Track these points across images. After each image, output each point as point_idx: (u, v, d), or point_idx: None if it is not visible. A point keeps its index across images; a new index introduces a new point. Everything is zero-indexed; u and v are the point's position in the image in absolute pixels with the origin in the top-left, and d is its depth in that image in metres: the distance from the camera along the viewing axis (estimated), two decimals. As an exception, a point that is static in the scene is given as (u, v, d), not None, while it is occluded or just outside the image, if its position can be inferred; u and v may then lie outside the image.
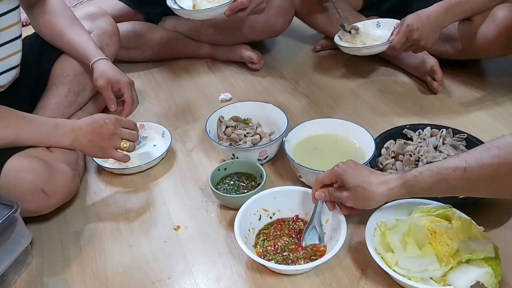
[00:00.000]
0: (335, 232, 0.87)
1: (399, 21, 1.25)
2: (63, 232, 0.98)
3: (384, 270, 0.79)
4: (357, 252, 0.88)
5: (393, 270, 0.79)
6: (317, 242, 0.88)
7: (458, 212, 0.85)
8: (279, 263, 0.85)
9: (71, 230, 0.99)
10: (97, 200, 1.06)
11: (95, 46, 1.24)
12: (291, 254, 0.87)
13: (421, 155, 1.00)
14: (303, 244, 0.88)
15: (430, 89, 1.34)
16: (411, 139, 1.10)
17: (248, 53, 1.49)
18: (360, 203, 0.82)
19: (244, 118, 1.19)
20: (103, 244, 0.95)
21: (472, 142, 1.05)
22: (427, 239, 0.82)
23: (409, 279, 0.77)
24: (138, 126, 1.20)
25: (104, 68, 1.22)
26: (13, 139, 0.93)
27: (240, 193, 1.00)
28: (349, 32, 1.36)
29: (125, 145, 1.02)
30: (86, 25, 1.28)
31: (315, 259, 0.85)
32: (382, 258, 0.81)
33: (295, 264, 0.85)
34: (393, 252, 0.82)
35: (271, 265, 0.82)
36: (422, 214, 0.86)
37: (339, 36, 1.38)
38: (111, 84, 1.22)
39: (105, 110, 1.30)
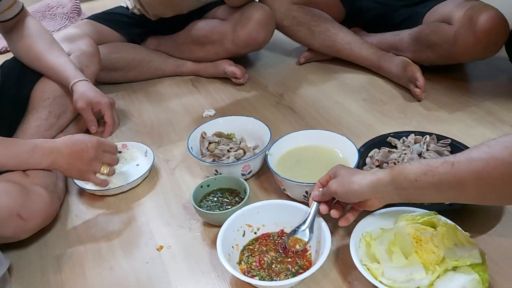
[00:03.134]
0: (320, 244, 0.85)
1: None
2: (44, 257, 0.96)
3: (371, 283, 0.77)
4: (343, 264, 0.86)
5: (379, 281, 0.77)
6: (306, 239, 0.86)
7: (443, 218, 0.83)
8: (263, 279, 0.83)
9: (52, 255, 0.96)
10: (79, 223, 1.04)
11: (75, 67, 1.23)
12: (278, 266, 0.85)
13: (406, 163, 0.99)
14: (288, 239, 0.87)
15: (414, 97, 1.33)
16: (395, 147, 1.09)
17: (232, 68, 1.49)
18: (344, 186, 0.80)
19: (227, 133, 1.17)
20: (83, 268, 0.93)
21: (456, 147, 1.04)
22: (413, 247, 0.80)
23: (396, 290, 0.75)
24: (120, 146, 1.19)
25: (84, 89, 1.21)
26: None
27: (223, 209, 0.98)
28: None
29: (105, 170, 1.02)
30: (66, 47, 1.27)
31: (301, 273, 0.83)
32: (368, 269, 0.79)
33: (280, 277, 0.83)
34: (379, 263, 0.80)
35: (254, 281, 0.80)
36: (407, 222, 0.85)
37: None
38: (91, 105, 1.21)
39: (87, 131, 1.28)
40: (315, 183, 0.93)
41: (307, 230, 0.86)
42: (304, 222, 0.87)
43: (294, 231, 0.88)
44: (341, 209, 0.86)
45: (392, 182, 0.76)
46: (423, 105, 1.31)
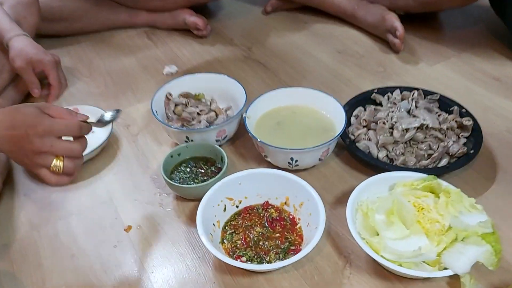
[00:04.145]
0: (312, 217, 0.77)
1: None
2: (-12, 248, 0.82)
3: (371, 256, 0.70)
4: (338, 237, 0.79)
5: (381, 256, 0.70)
6: None
7: (445, 183, 0.77)
8: (252, 259, 0.74)
9: (-2, 244, 0.82)
10: (28, 204, 0.89)
11: (10, 20, 1.05)
12: (266, 243, 0.77)
13: (395, 122, 0.91)
14: None
15: (392, 48, 1.25)
16: (380, 104, 1.01)
17: (193, 19, 1.33)
18: None
19: (196, 94, 1.04)
20: (39, 257, 0.80)
21: (445, 103, 0.97)
22: (414, 216, 0.73)
23: (400, 265, 0.69)
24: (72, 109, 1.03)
25: (22, 46, 1.03)
26: None
27: (199, 182, 0.87)
28: None
29: (58, 163, 0.71)
30: (-5, -5, 1.07)
31: (293, 250, 0.75)
32: (367, 243, 0.72)
33: (270, 256, 0.75)
34: (378, 235, 0.74)
35: (243, 265, 0.71)
36: (405, 189, 0.78)
37: None
38: (32, 64, 1.04)
39: (29, 95, 1.11)
40: (301, 149, 0.84)
41: None
42: None
43: None
44: None
45: None
46: (402, 57, 1.23)
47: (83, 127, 0.74)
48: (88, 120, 0.77)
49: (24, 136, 0.68)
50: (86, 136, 0.76)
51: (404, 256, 0.68)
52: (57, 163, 0.71)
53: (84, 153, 0.93)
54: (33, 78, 1.07)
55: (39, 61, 1.05)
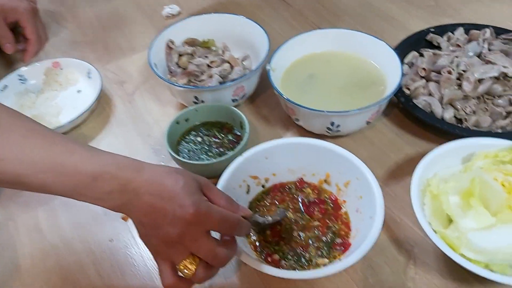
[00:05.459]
0: (363, 202, 0.58)
1: None
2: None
3: (443, 252, 0.52)
4: (394, 224, 0.61)
5: (461, 255, 0.52)
6: None
7: (544, 155, 0.57)
8: (286, 258, 0.57)
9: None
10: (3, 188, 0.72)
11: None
12: (302, 235, 0.59)
13: (464, 71, 0.70)
14: None
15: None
16: (438, 47, 0.80)
17: None
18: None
19: (204, 40, 0.83)
20: (15, 254, 0.63)
21: (523, 44, 0.76)
22: (503, 200, 0.54)
23: (490, 269, 0.51)
24: (51, 64, 0.84)
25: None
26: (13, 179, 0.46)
27: (213, 155, 0.68)
28: None
29: (190, 265, 0.47)
30: None
31: (340, 244, 0.58)
32: (442, 237, 0.54)
33: (311, 252, 0.58)
34: (450, 223, 0.56)
35: (282, 273, 0.53)
36: (487, 162, 0.59)
37: None
38: (3, 14, 0.84)
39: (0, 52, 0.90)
40: (346, 112, 0.64)
41: None
42: None
43: None
44: None
45: None
46: (456, -13, 0.99)
47: (243, 227, 0.51)
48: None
49: (169, 213, 0.45)
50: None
51: (495, 256, 0.51)
52: (188, 264, 0.47)
53: (69, 120, 0.75)
54: (5, 31, 0.87)
55: (13, 10, 0.85)
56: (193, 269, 0.47)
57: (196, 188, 0.48)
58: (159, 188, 0.46)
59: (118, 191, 0.46)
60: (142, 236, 0.49)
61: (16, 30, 0.91)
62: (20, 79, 0.87)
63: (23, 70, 0.87)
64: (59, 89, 0.85)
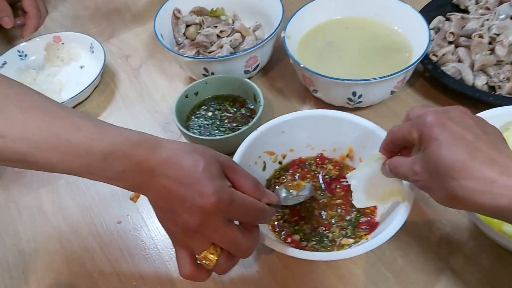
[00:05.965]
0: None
1: None
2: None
3: (481, 230, 0.47)
4: (423, 200, 0.56)
5: (503, 232, 0.48)
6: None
7: None
8: (308, 238, 0.53)
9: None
10: (5, 168, 0.68)
11: None
12: (325, 214, 0.55)
13: (497, 34, 0.65)
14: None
15: None
16: (466, 10, 0.74)
17: None
18: (435, 184, 0.39)
19: (212, 9, 0.78)
20: (18, 238, 0.59)
21: (559, 5, 0.70)
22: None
23: (536, 247, 0.46)
24: (51, 38, 0.79)
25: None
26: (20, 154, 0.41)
27: (226, 131, 0.63)
28: None
29: (210, 256, 0.43)
30: None
31: (365, 223, 0.53)
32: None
33: (334, 232, 0.53)
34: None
35: (305, 255, 0.48)
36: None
37: None
38: None
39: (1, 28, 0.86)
40: (369, 80, 0.59)
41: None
42: None
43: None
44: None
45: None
46: None
47: (267, 216, 0.47)
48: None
49: (188, 201, 0.40)
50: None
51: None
52: (209, 255, 0.43)
53: (71, 96, 0.71)
54: (2, 2, 0.82)
55: (10, -20, 0.80)
56: (215, 260, 0.43)
57: (218, 172, 0.42)
58: (177, 170, 0.41)
59: (132, 171, 0.41)
60: (160, 220, 0.44)
61: (14, 6, 0.86)
62: (20, 55, 0.83)
63: (23, 45, 0.83)
64: (61, 65, 0.81)
